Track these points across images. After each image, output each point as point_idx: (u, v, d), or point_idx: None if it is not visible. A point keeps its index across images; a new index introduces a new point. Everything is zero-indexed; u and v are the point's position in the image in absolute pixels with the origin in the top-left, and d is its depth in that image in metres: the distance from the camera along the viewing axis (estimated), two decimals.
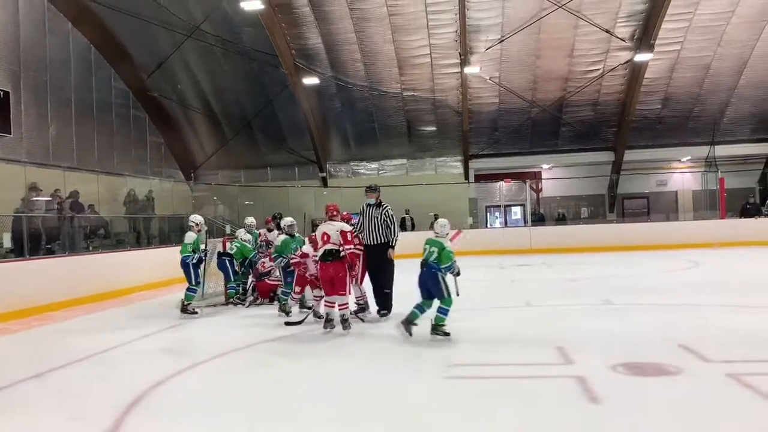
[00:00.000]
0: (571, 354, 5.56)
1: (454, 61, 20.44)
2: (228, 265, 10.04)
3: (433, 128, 23.74)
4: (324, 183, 24.46)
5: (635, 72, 20.72)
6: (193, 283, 8.92)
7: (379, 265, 7.99)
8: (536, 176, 25.29)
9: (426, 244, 6.63)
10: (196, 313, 8.88)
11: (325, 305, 7.15)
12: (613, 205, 24.71)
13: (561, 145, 24.28)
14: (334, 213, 7.20)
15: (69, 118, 17.81)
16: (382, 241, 7.95)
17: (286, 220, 9.38)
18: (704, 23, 19.22)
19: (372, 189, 8.39)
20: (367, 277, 8.26)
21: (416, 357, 5.92)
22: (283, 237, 9.20)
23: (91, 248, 14.08)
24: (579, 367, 5.10)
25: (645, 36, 19.30)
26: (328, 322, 7.03)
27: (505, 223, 25.36)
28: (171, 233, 18.58)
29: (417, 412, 4.22)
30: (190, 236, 8.98)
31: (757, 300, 8.34)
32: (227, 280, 10.08)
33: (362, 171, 25.18)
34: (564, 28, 19.39)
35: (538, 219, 22.56)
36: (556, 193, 25.52)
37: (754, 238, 18.10)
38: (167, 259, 13.64)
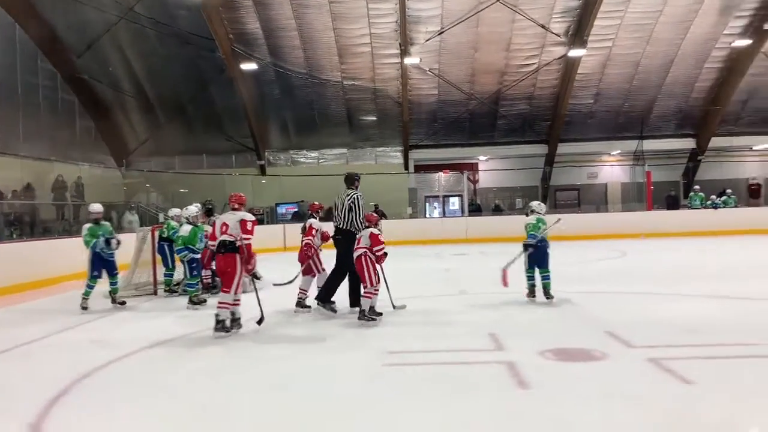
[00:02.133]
0: (503, 341, 5.71)
1: (395, 51, 20.50)
2: (167, 251, 9.77)
3: (374, 118, 23.77)
4: (262, 171, 24.15)
5: (569, 67, 21.31)
6: (90, 275, 8.51)
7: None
8: (473, 168, 25.74)
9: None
10: (123, 303, 8.62)
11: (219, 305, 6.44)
12: (546, 196, 25.41)
13: (497, 138, 24.78)
14: (236, 204, 6.58)
15: None
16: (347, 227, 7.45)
17: (190, 210, 9.07)
18: (634, 21, 19.95)
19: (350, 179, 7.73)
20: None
21: (352, 345, 5.95)
22: (188, 227, 8.98)
23: (14, 236, 13.46)
24: (510, 354, 5.24)
25: (579, 32, 19.87)
26: (224, 325, 6.37)
27: (444, 213, 25.68)
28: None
29: (350, 400, 4.25)
30: (84, 227, 8.79)
31: (680, 288, 8.76)
32: (165, 266, 9.83)
33: (302, 160, 24.99)
34: (501, 22, 19.74)
35: (475, 209, 22.97)
36: (492, 185, 26.05)
37: (679, 229, 18.98)
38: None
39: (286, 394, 4.42)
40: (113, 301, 8.61)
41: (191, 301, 8.44)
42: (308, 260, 7.75)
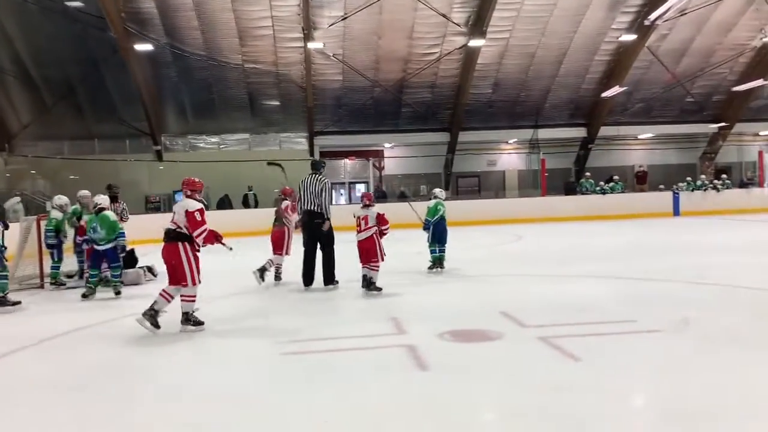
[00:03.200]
0: (404, 324, 5.81)
1: (298, 35, 20.18)
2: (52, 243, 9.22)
3: (277, 103, 23.36)
4: (159, 157, 23.13)
5: (469, 57, 21.81)
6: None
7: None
8: (379, 154, 25.91)
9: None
10: (17, 303, 7.95)
11: (159, 295, 5.93)
12: (449, 183, 26.02)
13: (402, 125, 25.05)
14: (188, 190, 6.09)
15: None
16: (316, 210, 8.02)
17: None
18: (531, 14, 20.64)
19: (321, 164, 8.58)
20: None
21: (253, 334, 5.85)
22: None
23: None
24: (410, 337, 5.34)
25: (478, 23, 20.35)
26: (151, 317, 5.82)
27: (350, 199, 25.74)
28: None
29: (248, 389, 4.18)
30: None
31: (570, 269, 9.25)
32: (52, 259, 9.26)
33: (201, 145, 24.18)
34: (404, 10, 19.87)
35: (381, 196, 23.17)
36: (397, 171, 26.38)
37: (570, 214, 20.01)
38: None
39: (182, 383, 4.29)
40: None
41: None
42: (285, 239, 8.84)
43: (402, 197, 24.15)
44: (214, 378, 4.49)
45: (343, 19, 19.61)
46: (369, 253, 7.60)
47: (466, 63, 22.14)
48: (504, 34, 21.31)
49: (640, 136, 27.27)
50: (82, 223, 8.84)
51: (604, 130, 25.79)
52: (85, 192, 9.44)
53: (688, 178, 22.20)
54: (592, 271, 8.96)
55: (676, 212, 20.91)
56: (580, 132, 26.19)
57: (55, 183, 20.62)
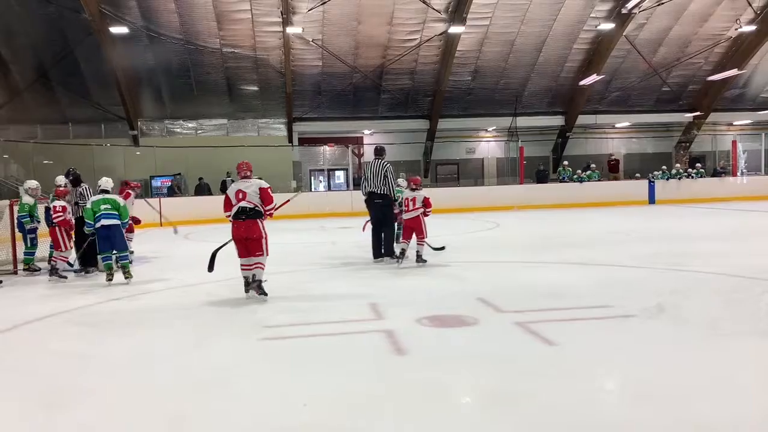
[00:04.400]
0: (383, 310, 5.82)
1: (276, 19, 19.99)
2: (24, 228, 9.10)
3: (255, 88, 23.15)
4: (135, 142, 22.82)
5: (449, 44, 21.80)
6: None
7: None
8: (358, 141, 25.83)
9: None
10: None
11: (242, 269, 6.60)
12: (428, 170, 26.05)
13: (381, 112, 25.00)
14: (248, 171, 6.71)
15: None
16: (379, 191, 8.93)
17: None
18: (510, 1, 20.69)
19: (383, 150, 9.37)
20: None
21: (228, 321, 5.82)
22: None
23: None
24: (388, 322, 5.35)
25: (458, 9, 20.33)
26: (248, 285, 6.58)
27: (329, 186, 25.67)
28: None
29: (225, 377, 4.15)
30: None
31: (546, 256, 9.34)
32: (25, 244, 9.13)
33: (178, 130, 23.91)
34: None
35: (360, 183, 23.12)
36: None
37: (549, 202, 20.18)
38: None
39: (157, 374, 4.25)
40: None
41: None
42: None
43: None
44: (190, 362, 4.46)
45: (322, 4, 19.46)
46: (416, 230, 8.54)
47: (446, 50, 22.12)
48: (484, 21, 21.32)
49: (617, 125, 27.54)
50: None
51: (582, 119, 26.01)
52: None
53: (664, 167, 22.50)
54: (569, 258, 9.05)
55: (652, 200, 21.23)
56: (558, 120, 26.38)
57: (28, 167, 20.25)
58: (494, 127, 26.60)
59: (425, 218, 8.59)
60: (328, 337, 5.05)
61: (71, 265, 8.88)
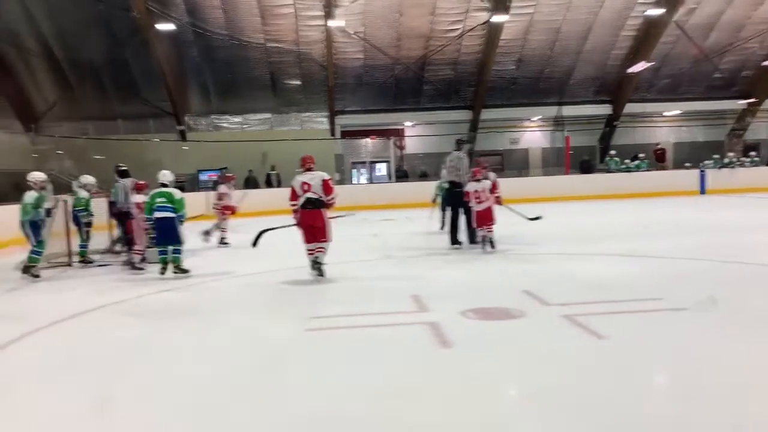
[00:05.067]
0: (426, 302, 5.81)
1: (319, 13, 20.09)
2: (81, 221, 9.43)
3: (298, 82, 23.32)
4: (182, 137, 23.30)
5: (492, 33, 21.52)
6: (35, 243, 8.23)
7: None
8: (400, 133, 25.78)
9: None
10: (38, 276, 8.22)
11: (308, 253, 7.28)
12: (471, 161, 25.78)
13: (423, 103, 24.87)
14: (311, 164, 7.36)
15: None
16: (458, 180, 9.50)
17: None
18: None
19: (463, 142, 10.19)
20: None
21: (276, 312, 5.91)
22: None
23: None
24: (433, 314, 5.34)
25: None
26: (316, 266, 7.24)
27: (371, 179, 25.72)
28: (10, 191, 16.93)
29: (276, 364, 4.23)
30: (30, 195, 8.25)
31: (594, 248, 9.17)
32: (80, 237, 9.47)
33: (224, 125, 24.28)
34: None
35: (402, 175, 23.10)
36: (419, 150, 26.21)
37: (595, 192, 19.78)
38: (5, 218, 12.46)
39: (209, 365, 4.35)
40: (25, 271, 8.18)
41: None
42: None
43: (423, 176, 24.08)
44: (240, 352, 4.55)
45: None
46: (485, 218, 8.98)
47: (490, 39, 21.86)
48: (528, 9, 20.98)
49: (666, 113, 26.75)
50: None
51: (630, 107, 25.35)
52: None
53: (716, 156, 21.76)
54: (617, 249, 8.86)
55: (702, 190, 20.58)
56: (605, 109, 25.78)
57: (81, 163, 20.87)
58: (539, 117, 26.19)
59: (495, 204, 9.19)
60: (372, 329, 5.08)
61: (144, 259, 8.96)
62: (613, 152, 22.65)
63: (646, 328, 4.80)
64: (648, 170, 22.07)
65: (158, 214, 7.86)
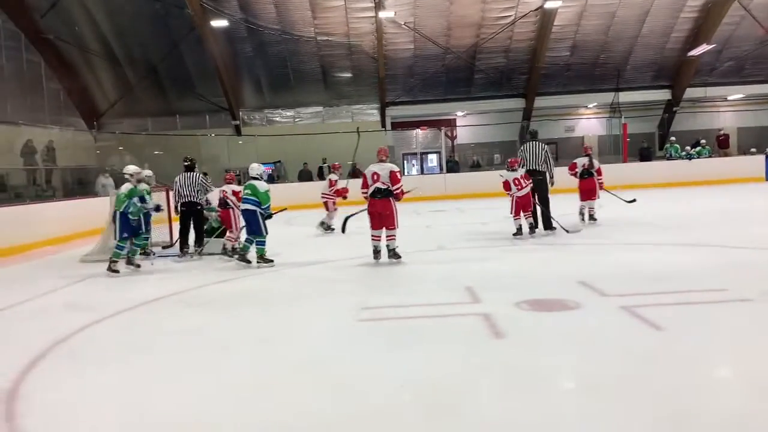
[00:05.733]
0: (479, 293, 5.76)
1: (369, 4, 20.09)
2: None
3: (349, 75, 23.42)
4: (237, 131, 23.77)
5: (545, 19, 21.09)
6: (120, 238, 8.22)
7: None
8: (451, 123, 25.59)
9: None
10: (117, 272, 8.14)
11: (372, 239, 7.82)
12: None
13: (474, 93, 24.60)
14: (384, 156, 7.94)
15: None
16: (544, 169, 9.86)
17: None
18: None
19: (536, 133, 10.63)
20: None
21: (328, 302, 5.97)
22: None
23: None
24: (486, 305, 5.30)
25: None
26: (377, 253, 7.78)
27: (422, 170, 25.66)
28: (75, 185, 17.68)
29: (327, 354, 4.28)
30: (124, 187, 8.40)
31: (652, 238, 8.92)
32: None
33: (277, 119, 24.64)
34: None
35: (453, 166, 22.96)
36: (470, 140, 25.99)
37: (654, 180, 19.18)
38: (71, 213, 13.05)
39: (265, 353, 4.44)
40: (109, 267, 8.13)
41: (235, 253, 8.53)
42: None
43: (475, 166, 23.87)
44: (291, 342, 4.62)
45: None
46: (525, 206, 9.40)
47: (543, 25, 21.42)
48: None
49: (729, 97, 25.65)
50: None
51: (690, 92, 24.43)
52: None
53: None
54: (677, 239, 8.59)
55: None
56: (664, 94, 24.93)
57: (141, 158, 21.56)
58: (595, 104, 25.55)
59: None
60: (424, 320, 5.08)
61: (234, 248, 9.09)
62: (672, 139, 21.89)
63: (707, 319, 4.64)
64: (710, 157, 21.26)
65: (244, 206, 8.10)
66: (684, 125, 24.84)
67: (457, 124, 25.81)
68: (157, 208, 8.79)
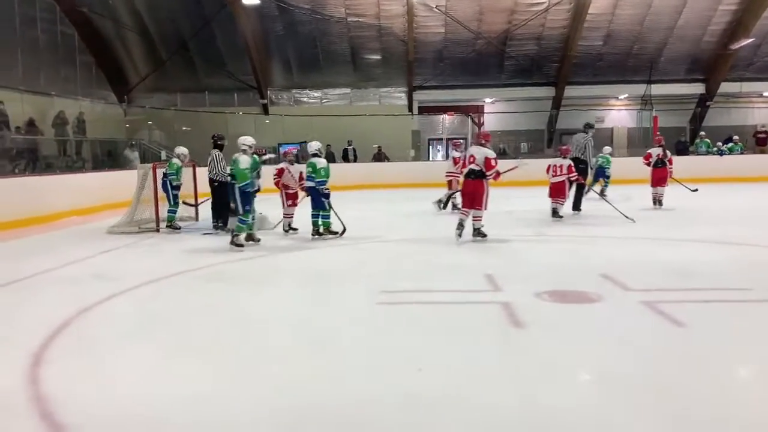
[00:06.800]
0: (500, 282, 5.76)
1: None
2: (169, 188, 9.89)
3: (378, 57, 23.28)
4: (265, 110, 23.82)
5: (579, 7, 20.72)
6: (242, 212, 7.93)
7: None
8: (479, 110, 25.34)
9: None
10: (242, 246, 7.97)
11: (460, 214, 8.34)
12: (552, 140, 25.15)
13: (504, 79, 24.30)
14: (483, 140, 8.36)
15: None
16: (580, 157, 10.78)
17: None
18: None
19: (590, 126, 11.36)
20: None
21: (349, 283, 6.01)
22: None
23: (17, 171, 13.48)
24: (506, 294, 5.29)
25: None
26: (460, 226, 8.15)
27: (447, 156, 25.50)
28: (104, 157, 17.93)
29: (343, 337, 4.31)
30: (245, 160, 7.99)
31: (679, 233, 8.80)
32: (169, 204, 9.95)
33: (305, 99, 24.62)
34: None
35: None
36: (497, 128, 25.70)
37: (683, 175, 18.78)
38: (99, 184, 13.27)
39: (283, 332, 4.49)
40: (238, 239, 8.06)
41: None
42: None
43: (501, 154, 23.63)
44: (308, 322, 4.67)
45: None
46: (559, 192, 10.18)
47: (576, 13, 21.04)
48: None
49: (765, 93, 25.05)
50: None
51: (725, 86, 23.86)
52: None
53: None
54: (704, 235, 8.46)
55: None
56: (697, 88, 24.38)
57: (169, 133, 21.78)
58: (626, 95, 25.11)
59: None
60: (444, 306, 5.09)
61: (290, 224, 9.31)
62: (702, 133, 21.46)
63: (730, 318, 4.58)
64: (741, 153, 20.81)
65: (306, 184, 8.49)
66: (717, 120, 24.31)
67: (485, 111, 25.57)
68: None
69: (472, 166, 8.10)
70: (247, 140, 8.17)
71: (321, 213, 8.54)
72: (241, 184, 7.90)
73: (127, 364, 3.82)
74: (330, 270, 6.71)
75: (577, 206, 10.97)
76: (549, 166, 10.37)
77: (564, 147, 10.74)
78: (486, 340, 4.16)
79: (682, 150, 21.70)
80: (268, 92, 23.95)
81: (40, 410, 3.14)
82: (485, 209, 8.20)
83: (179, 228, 9.89)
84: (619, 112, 25.92)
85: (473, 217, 8.22)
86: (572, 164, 10.20)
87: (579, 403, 3.16)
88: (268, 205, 9.80)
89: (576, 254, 7.37)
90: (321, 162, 8.51)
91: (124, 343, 4.23)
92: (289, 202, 9.30)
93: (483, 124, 25.32)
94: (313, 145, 8.80)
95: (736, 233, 8.54)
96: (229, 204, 8.90)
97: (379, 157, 21.33)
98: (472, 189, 8.13)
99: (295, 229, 9.17)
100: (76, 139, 16.42)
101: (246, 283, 6.13)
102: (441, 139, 25.89)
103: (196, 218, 10.94)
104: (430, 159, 25.13)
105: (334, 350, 4.02)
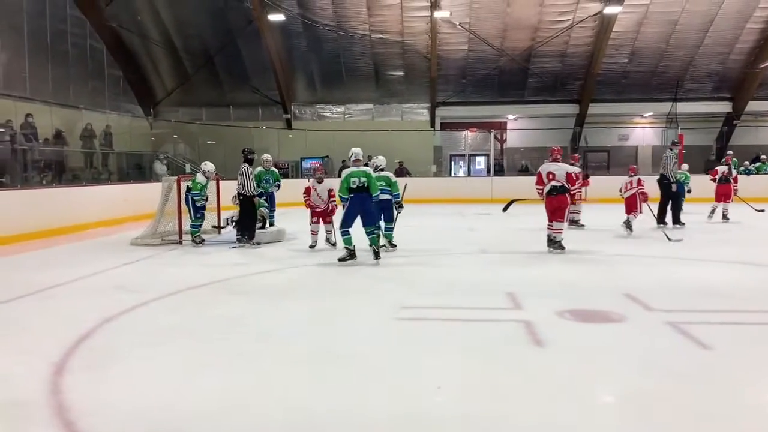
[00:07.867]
0: (521, 300, 5.70)
1: (424, 4, 20.04)
2: (191, 202, 9.98)
3: (401, 73, 23.40)
4: (288, 125, 24.04)
5: (604, 24, 20.66)
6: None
7: None
8: (501, 126, 25.29)
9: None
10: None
11: (547, 228, 8.64)
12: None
13: (527, 96, 24.26)
14: (557, 156, 8.71)
15: (21, 47, 16.97)
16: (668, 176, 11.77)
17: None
18: None
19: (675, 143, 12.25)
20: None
21: (369, 298, 6.00)
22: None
23: (44, 182, 13.72)
24: (527, 313, 5.24)
25: None
26: (550, 242, 8.56)
27: (469, 172, 25.46)
28: (129, 170, 18.19)
29: (363, 352, 4.29)
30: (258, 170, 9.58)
31: (704, 253, 8.65)
32: (191, 217, 10.04)
33: (328, 114, 24.80)
34: None
35: (499, 170, 22.71)
36: (520, 144, 25.63)
37: (709, 195, 18.54)
38: (124, 196, 13.47)
39: (300, 346, 4.48)
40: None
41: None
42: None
43: (523, 171, 23.51)
44: (327, 336, 4.66)
45: None
46: (631, 206, 10.62)
47: (601, 31, 20.98)
48: (644, 0, 19.94)
49: None
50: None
51: (753, 105, 23.55)
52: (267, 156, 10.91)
53: None
54: (731, 255, 8.31)
55: None
56: (724, 107, 24.09)
57: (194, 147, 22.05)
58: (651, 113, 24.89)
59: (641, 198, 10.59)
60: (464, 323, 5.05)
61: (327, 240, 9.44)
62: (729, 153, 21.11)
63: (756, 341, 4.48)
64: None
65: (382, 197, 8.56)
66: (744, 139, 23.97)
67: (508, 128, 25.51)
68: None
69: (554, 183, 8.39)
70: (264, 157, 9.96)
71: (386, 225, 8.83)
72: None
73: (148, 375, 3.84)
74: (351, 284, 6.71)
75: (676, 220, 11.65)
76: (629, 182, 10.94)
77: (632, 166, 11.55)
78: (506, 359, 4.12)
79: (710, 169, 21.35)
80: (292, 107, 24.18)
81: (62, 420, 3.17)
82: (565, 220, 8.63)
83: (203, 241, 9.97)
84: (643, 130, 25.68)
85: (555, 229, 8.49)
86: (641, 178, 10.75)
87: (599, 423, 3.11)
88: (290, 218, 9.85)
89: (598, 273, 7.28)
90: (393, 176, 9.13)
91: (146, 354, 4.26)
92: (314, 219, 9.37)
93: (505, 140, 25.26)
94: (383, 160, 9.39)
95: (760, 254, 8.39)
96: (255, 217, 9.11)
97: (401, 172, 21.36)
98: (556, 205, 8.41)
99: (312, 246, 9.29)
100: (102, 152, 16.69)
101: (268, 296, 6.15)
102: (463, 155, 25.86)
103: (219, 231, 11.03)
104: (452, 174, 25.08)
105: (354, 365, 4.00)
